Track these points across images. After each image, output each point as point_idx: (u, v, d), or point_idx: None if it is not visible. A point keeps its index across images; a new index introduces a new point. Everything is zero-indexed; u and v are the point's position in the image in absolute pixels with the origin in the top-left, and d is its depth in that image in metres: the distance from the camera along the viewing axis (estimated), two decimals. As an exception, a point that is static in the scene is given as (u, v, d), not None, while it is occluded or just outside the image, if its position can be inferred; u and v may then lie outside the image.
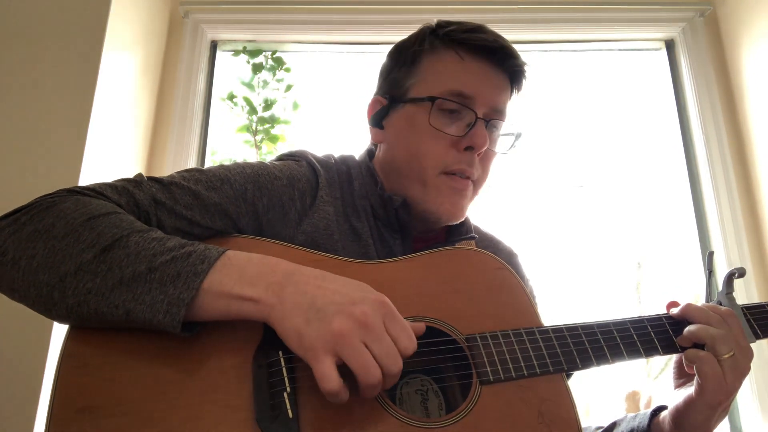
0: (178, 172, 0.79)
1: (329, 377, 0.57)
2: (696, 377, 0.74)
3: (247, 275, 0.62)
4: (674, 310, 0.81)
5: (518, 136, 0.92)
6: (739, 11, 2.01)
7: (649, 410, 0.84)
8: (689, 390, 0.76)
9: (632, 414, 0.87)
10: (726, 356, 0.73)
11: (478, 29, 0.88)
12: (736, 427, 1.80)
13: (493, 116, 0.87)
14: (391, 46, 0.98)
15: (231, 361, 0.65)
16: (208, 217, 0.75)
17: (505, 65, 0.89)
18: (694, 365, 0.74)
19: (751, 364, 0.75)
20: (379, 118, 0.93)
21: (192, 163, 1.96)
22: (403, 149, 0.88)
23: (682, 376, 0.81)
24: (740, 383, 0.74)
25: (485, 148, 0.86)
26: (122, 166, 1.76)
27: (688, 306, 0.79)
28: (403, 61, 0.92)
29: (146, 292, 0.60)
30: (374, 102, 0.95)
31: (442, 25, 0.91)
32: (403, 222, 0.87)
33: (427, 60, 0.89)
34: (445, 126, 0.85)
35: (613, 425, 0.89)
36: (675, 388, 0.81)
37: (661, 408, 0.84)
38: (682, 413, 0.77)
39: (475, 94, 0.85)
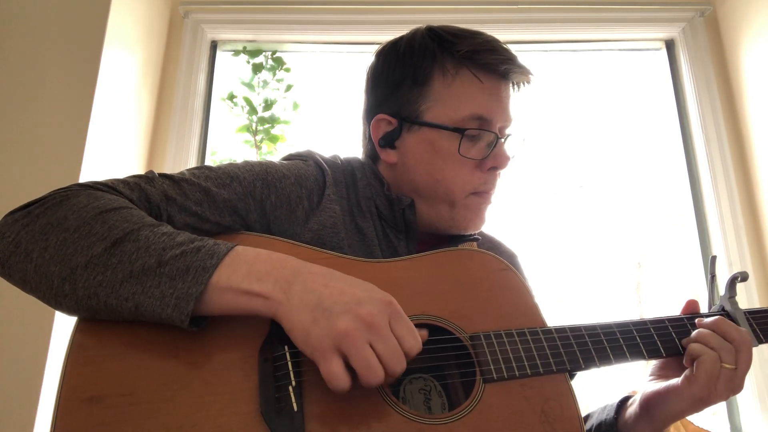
0: (188, 169, 0.80)
1: (338, 377, 0.58)
2: (688, 371, 0.76)
3: (255, 271, 0.63)
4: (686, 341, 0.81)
5: (523, 138, 0.93)
6: (739, 11, 2.01)
7: (616, 401, 0.86)
8: (672, 381, 0.78)
9: (603, 405, 0.89)
10: (728, 366, 0.74)
11: (492, 49, 0.85)
12: (736, 427, 1.80)
13: (505, 129, 0.89)
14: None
15: (237, 355, 0.65)
16: (218, 213, 0.76)
17: (514, 79, 0.89)
18: (697, 358, 0.75)
19: (751, 364, 0.77)
20: (390, 139, 0.90)
21: (192, 163, 1.96)
22: (425, 174, 0.87)
23: (662, 370, 0.83)
24: (725, 397, 0.75)
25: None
26: (122, 165, 1.76)
27: (699, 334, 0.79)
28: (412, 78, 0.87)
29: (155, 285, 0.61)
30: (380, 121, 0.90)
31: (446, 38, 0.87)
32: (409, 223, 0.88)
33: (440, 80, 0.86)
34: (470, 151, 0.85)
35: (587, 417, 0.90)
36: (650, 380, 0.83)
37: (628, 398, 0.85)
38: (658, 399, 0.78)
39: (493, 116, 0.85)
